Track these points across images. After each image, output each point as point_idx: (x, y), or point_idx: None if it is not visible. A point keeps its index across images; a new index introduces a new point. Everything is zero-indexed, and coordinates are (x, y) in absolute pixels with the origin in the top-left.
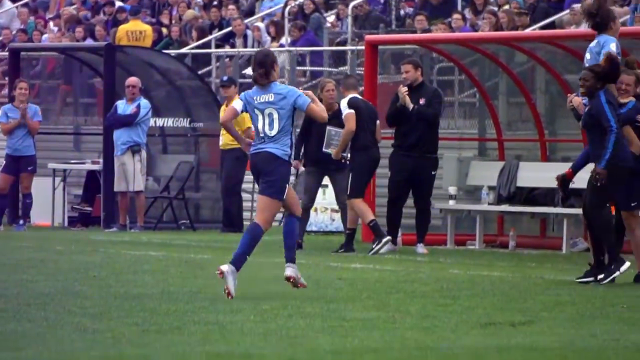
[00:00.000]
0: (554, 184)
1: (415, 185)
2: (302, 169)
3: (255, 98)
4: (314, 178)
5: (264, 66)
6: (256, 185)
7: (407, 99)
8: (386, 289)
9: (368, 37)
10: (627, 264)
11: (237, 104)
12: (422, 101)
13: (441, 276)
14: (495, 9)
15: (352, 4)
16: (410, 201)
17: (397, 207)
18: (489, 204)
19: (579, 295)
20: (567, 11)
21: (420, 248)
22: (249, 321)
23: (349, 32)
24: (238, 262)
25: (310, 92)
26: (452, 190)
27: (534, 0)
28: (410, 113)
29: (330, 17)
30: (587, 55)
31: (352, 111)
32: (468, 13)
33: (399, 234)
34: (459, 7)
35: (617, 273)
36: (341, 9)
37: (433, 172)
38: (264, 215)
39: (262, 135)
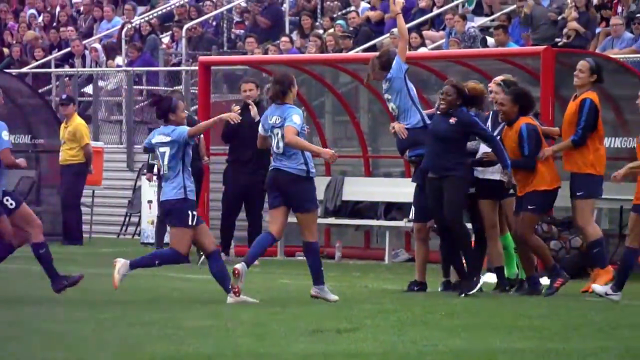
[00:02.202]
0: (376, 197)
1: (248, 199)
2: (152, 182)
3: (268, 118)
4: None
5: (282, 85)
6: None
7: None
8: (220, 298)
9: (201, 58)
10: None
11: (261, 128)
12: (256, 120)
13: (272, 286)
14: (321, 32)
15: (186, 26)
16: (242, 214)
17: (230, 220)
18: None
19: (400, 303)
20: (387, 35)
21: None
22: (89, 330)
23: (183, 53)
24: (320, 277)
25: None
26: None
27: (357, 25)
28: (246, 130)
29: (166, 39)
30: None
31: None
32: (296, 36)
33: (232, 246)
34: (287, 30)
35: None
36: (176, 31)
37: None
38: (308, 230)
39: (275, 152)
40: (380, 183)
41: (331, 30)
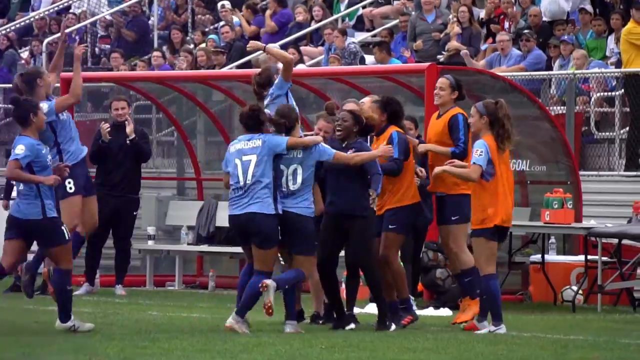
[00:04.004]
0: None
1: (116, 225)
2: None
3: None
4: None
5: (289, 119)
6: None
7: (106, 134)
8: (84, 332)
9: (63, 74)
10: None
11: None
12: (128, 141)
13: (140, 318)
14: (192, 47)
15: (46, 41)
16: (109, 241)
17: (96, 248)
18: (188, 244)
19: (278, 336)
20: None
21: (119, 289)
22: None
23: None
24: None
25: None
26: (151, 230)
27: (230, 39)
28: (116, 151)
29: (25, 54)
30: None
31: None
32: (166, 51)
33: (97, 275)
34: (156, 45)
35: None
36: (35, 45)
37: (135, 212)
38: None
39: (286, 190)
40: None
41: (203, 45)
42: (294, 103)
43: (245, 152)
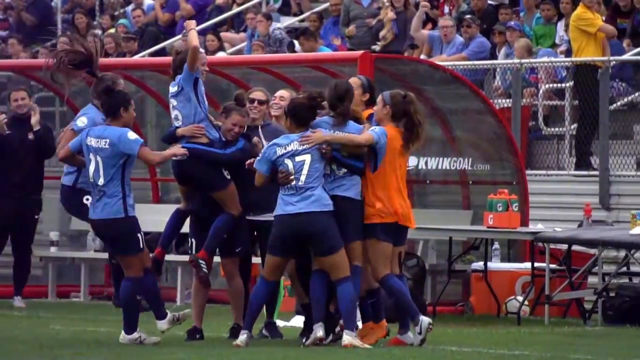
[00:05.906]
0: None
1: (15, 230)
2: None
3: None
4: None
5: (347, 100)
6: None
7: (3, 127)
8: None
9: None
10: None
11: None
12: (30, 136)
13: (41, 333)
14: (99, 32)
15: None
16: (7, 248)
17: None
18: (95, 250)
19: (195, 354)
20: (179, 36)
21: (18, 301)
22: None
23: None
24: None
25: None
26: (54, 235)
27: (143, 24)
28: (16, 147)
29: None
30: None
31: None
32: None
33: None
34: (60, 31)
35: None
36: None
37: (36, 216)
38: None
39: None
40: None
41: (112, 31)
42: (204, 96)
43: (298, 153)
